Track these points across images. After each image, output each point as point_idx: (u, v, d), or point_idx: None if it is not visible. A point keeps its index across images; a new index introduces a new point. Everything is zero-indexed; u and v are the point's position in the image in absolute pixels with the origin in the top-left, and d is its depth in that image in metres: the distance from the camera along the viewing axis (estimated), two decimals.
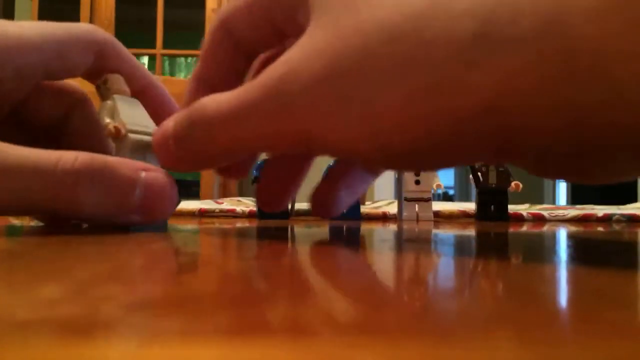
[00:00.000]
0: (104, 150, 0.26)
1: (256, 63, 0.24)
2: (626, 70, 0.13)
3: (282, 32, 0.21)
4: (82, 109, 0.28)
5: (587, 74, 0.13)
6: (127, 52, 0.28)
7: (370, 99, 0.16)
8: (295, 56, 0.17)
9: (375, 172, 0.26)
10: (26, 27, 0.24)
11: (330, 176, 0.26)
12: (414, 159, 0.18)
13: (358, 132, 0.17)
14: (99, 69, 0.27)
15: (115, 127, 0.25)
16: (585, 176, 0.17)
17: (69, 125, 0.28)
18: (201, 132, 0.20)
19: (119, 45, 0.27)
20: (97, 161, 0.21)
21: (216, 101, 0.19)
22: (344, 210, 0.27)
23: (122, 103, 0.26)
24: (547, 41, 0.14)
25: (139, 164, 0.23)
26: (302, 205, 0.49)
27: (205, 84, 0.24)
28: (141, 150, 0.25)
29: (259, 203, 0.26)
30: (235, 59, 0.23)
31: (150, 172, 0.22)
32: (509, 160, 0.17)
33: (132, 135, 0.25)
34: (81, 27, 0.26)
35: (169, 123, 0.21)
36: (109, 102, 0.26)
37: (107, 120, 0.26)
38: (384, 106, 0.16)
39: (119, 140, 0.25)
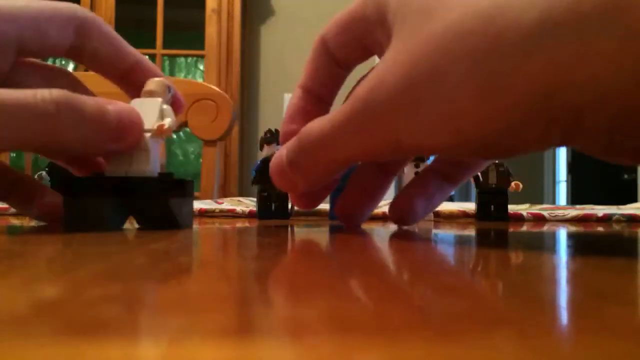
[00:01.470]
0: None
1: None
2: None
3: (370, 50, 0.23)
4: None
5: None
6: (111, 31, 0.27)
7: (449, 97, 0.17)
8: (379, 71, 0.19)
9: (454, 182, 0.28)
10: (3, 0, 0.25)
11: (410, 186, 0.28)
12: (491, 147, 0.19)
13: (441, 130, 0.18)
14: (81, 47, 0.26)
15: None
16: None
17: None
18: (309, 156, 0.23)
19: (102, 22, 0.27)
20: (69, 93, 0.22)
21: (319, 126, 0.22)
22: (422, 219, 0.29)
23: (132, 104, 0.26)
24: (610, 20, 0.14)
25: (101, 98, 0.24)
26: None
27: (310, 93, 0.26)
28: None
29: (340, 216, 0.29)
30: (333, 70, 0.25)
31: (115, 104, 0.24)
32: (579, 143, 0.18)
33: None
34: (61, 4, 0.26)
35: (282, 151, 0.24)
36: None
37: None
38: (461, 101, 0.17)
39: None
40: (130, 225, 0.26)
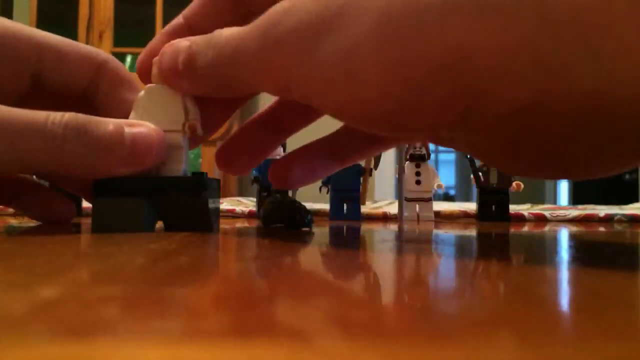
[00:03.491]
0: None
1: None
2: (606, 40, 0.13)
3: None
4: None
5: (567, 41, 0.14)
6: (127, 75, 0.28)
7: (351, 41, 0.17)
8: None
9: (342, 162, 0.26)
10: (27, 26, 0.25)
11: (295, 152, 0.27)
12: (384, 111, 0.18)
13: (334, 75, 0.17)
14: (96, 88, 0.27)
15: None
16: (559, 170, 0.18)
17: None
18: (212, 57, 0.21)
19: (122, 67, 0.28)
20: (82, 116, 0.22)
21: (231, 33, 0.21)
22: (299, 187, 0.28)
23: (150, 94, 0.25)
24: (528, 6, 0.14)
25: (124, 120, 0.24)
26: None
27: (190, 28, 0.25)
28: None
29: (217, 159, 0.27)
30: (229, 12, 0.24)
31: (135, 126, 0.23)
32: (468, 135, 0.18)
33: None
34: (88, 46, 0.27)
35: (183, 42, 0.22)
36: (141, 92, 0.25)
37: (131, 115, 0.25)
38: (360, 51, 0.16)
39: None
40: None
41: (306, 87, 0.19)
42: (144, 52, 0.26)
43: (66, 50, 0.26)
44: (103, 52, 0.27)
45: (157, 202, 0.24)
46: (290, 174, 0.26)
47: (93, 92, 0.27)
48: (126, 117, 0.26)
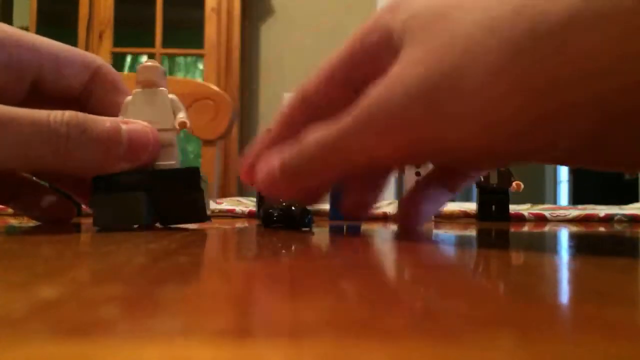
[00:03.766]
0: None
1: None
2: None
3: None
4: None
5: None
6: (119, 81, 0.28)
7: (476, 94, 0.17)
8: (393, 73, 0.19)
9: (452, 190, 0.28)
10: (25, 32, 0.26)
11: (413, 189, 0.29)
12: (517, 144, 0.19)
13: (469, 124, 0.18)
14: (90, 93, 0.27)
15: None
16: None
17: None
18: (310, 163, 0.22)
19: (114, 72, 0.28)
20: (81, 114, 0.23)
21: (324, 131, 0.21)
22: (424, 221, 0.30)
23: (138, 98, 0.26)
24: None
25: (118, 118, 0.25)
26: None
27: (310, 106, 0.25)
28: None
29: (345, 213, 0.28)
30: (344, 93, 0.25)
31: (130, 124, 0.24)
32: (612, 151, 0.19)
33: None
34: (82, 50, 0.28)
35: (273, 159, 0.23)
36: (128, 97, 0.26)
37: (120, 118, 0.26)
38: (491, 94, 0.17)
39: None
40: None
41: (441, 137, 0.19)
42: (250, 155, 0.27)
43: (64, 56, 0.26)
44: (98, 58, 0.28)
45: (155, 195, 0.25)
46: (419, 209, 0.28)
47: (87, 97, 0.28)
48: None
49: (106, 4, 1.80)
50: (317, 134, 0.22)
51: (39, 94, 0.26)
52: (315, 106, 0.24)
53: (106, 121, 0.24)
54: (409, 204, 0.28)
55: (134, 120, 0.25)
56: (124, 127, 0.24)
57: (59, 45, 0.27)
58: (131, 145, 0.24)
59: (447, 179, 0.28)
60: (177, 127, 0.26)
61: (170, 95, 0.26)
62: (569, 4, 0.15)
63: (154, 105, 0.26)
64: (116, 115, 0.26)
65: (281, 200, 0.27)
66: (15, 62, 0.25)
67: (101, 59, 0.28)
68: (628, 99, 0.16)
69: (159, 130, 0.25)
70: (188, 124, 0.26)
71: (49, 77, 0.26)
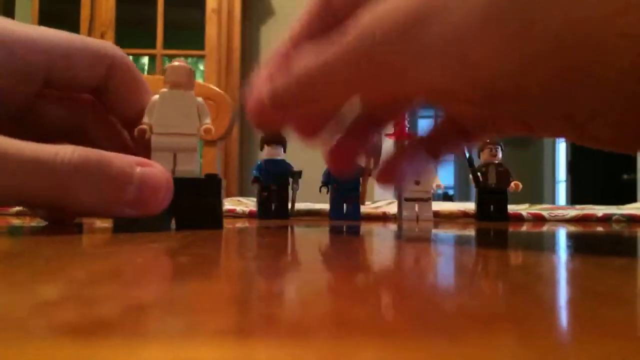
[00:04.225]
0: (141, 113, 0.27)
1: None
2: None
3: None
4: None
5: None
6: (135, 70, 0.27)
7: (457, 27, 0.17)
8: (381, 6, 0.18)
9: (437, 156, 0.27)
10: (35, 28, 0.25)
11: (396, 152, 0.27)
12: (496, 91, 0.18)
13: (448, 60, 0.17)
14: (106, 86, 0.27)
15: (138, 130, 0.26)
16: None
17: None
18: (302, 90, 0.20)
19: (129, 62, 0.27)
20: (93, 155, 0.22)
21: (316, 56, 0.20)
22: (406, 184, 0.28)
23: (164, 99, 0.26)
24: None
25: (136, 158, 0.23)
26: (302, 205, 0.49)
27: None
28: (169, 151, 0.26)
29: (330, 167, 0.27)
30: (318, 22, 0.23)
31: (146, 167, 0.23)
32: (590, 119, 0.18)
33: (155, 137, 0.26)
34: (93, 40, 0.27)
35: (261, 86, 0.22)
36: (155, 97, 0.26)
37: (145, 119, 0.26)
38: (479, 45, 0.17)
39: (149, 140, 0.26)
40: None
41: (421, 80, 0.18)
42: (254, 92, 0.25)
43: (77, 53, 0.25)
44: (111, 48, 0.27)
45: (173, 202, 0.24)
46: (399, 170, 0.27)
47: (104, 90, 0.27)
48: (137, 115, 0.27)
49: (107, 5, 1.80)
50: (306, 60, 0.20)
51: (53, 87, 0.26)
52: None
53: (117, 161, 0.22)
54: (390, 163, 0.27)
55: (151, 161, 0.23)
56: (137, 170, 0.22)
57: (72, 40, 0.25)
58: (138, 195, 0.22)
59: (432, 147, 0.27)
60: (203, 133, 0.25)
61: (198, 99, 0.26)
62: None
63: (181, 108, 0.25)
64: (137, 110, 0.26)
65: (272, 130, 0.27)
66: (24, 65, 0.24)
67: (115, 49, 0.27)
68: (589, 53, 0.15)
69: (182, 134, 0.25)
70: (213, 131, 0.25)
71: (61, 75, 0.25)
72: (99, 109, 0.28)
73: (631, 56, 0.15)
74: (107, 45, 0.27)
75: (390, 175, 0.27)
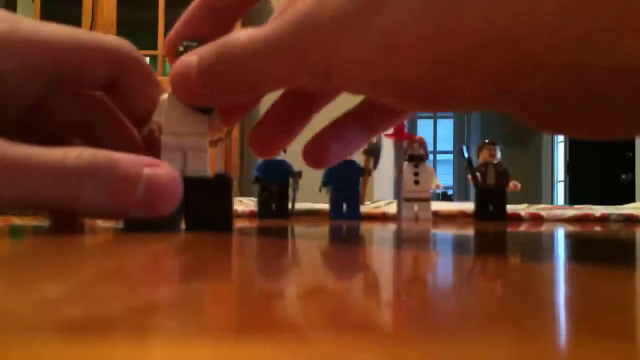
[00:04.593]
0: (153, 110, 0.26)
1: None
2: None
3: None
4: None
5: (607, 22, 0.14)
6: (147, 67, 0.27)
7: (392, 31, 0.17)
8: None
9: (371, 130, 0.26)
10: (46, 26, 0.24)
11: (326, 128, 0.26)
12: (422, 91, 0.18)
13: (375, 61, 0.17)
14: (117, 82, 0.26)
15: (148, 130, 0.26)
16: (586, 129, 0.18)
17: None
18: (229, 66, 0.20)
19: (141, 58, 0.27)
20: (100, 157, 0.21)
21: (246, 36, 0.20)
22: (334, 163, 0.27)
23: (173, 99, 0.25)
24: None
25: (144, 159, 0.23)
26: (302, 205, 0.49)
27: (212, 11, 0.24)
28: (179, 151, 0.26)
29: (251, 146, 0.27)
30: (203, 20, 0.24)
31: (155, 168, 0.22)
32: (509, 108, 0.18)
33: (164, 137, 0.26)
34: (106, 37, 0.26)
35: (192, 57, 0.21)
36: (165, 95, 0.26)
37: (154, 117, 0.26)
38: (404, 37, 0.16)
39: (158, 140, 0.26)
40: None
41: (347, 71, 0.18)
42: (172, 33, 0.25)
43: (85, 51, 0.25)
44: (120, 44, 0.26)
45: (183, 202, 0.24)
46: (326, 151, 0.26)
47: (114, 87, 0.27)
48: (148, 112, 0.27)
49: (109, 6, 1.79)
50: (239, 39, 0.20)
51: (62, 83, 0.26)
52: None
53: (125, 162, 0.22)
54: (319, 140, 0.26)
55: (160, 162, 0.23)
56: (146, 171, 0.22)
57: (83, 37, 0.25)
58: (146, 199, 0.22)
59: (367, 119, 0.26)
60: (215, 138, 0.25)
61: None
62: None
63: (190, 107, 0.25)
64: (148, 106, 0.26)
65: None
66: (33, 66, 0.24)
67: (126, 44, 0.27)
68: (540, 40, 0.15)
69: (192, 134, 0.25)
70: (224, 131, 0.25)
71: (71, 74, 0.25)
72: (108, 105, 0.28)
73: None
74: (118, 41, 0.26)
75: (316, 155, 0.26)
